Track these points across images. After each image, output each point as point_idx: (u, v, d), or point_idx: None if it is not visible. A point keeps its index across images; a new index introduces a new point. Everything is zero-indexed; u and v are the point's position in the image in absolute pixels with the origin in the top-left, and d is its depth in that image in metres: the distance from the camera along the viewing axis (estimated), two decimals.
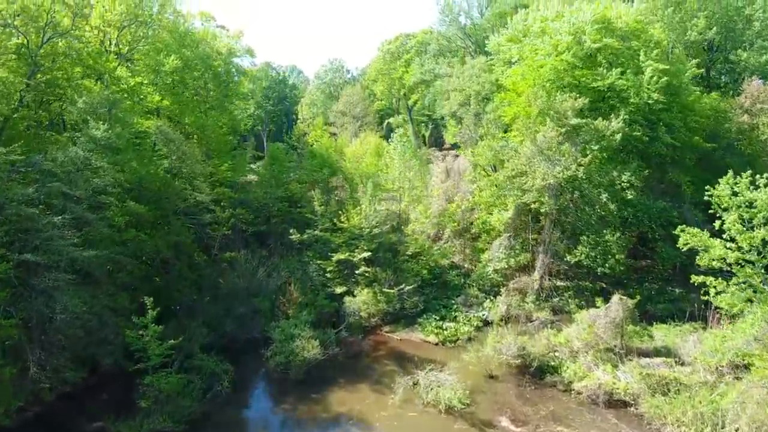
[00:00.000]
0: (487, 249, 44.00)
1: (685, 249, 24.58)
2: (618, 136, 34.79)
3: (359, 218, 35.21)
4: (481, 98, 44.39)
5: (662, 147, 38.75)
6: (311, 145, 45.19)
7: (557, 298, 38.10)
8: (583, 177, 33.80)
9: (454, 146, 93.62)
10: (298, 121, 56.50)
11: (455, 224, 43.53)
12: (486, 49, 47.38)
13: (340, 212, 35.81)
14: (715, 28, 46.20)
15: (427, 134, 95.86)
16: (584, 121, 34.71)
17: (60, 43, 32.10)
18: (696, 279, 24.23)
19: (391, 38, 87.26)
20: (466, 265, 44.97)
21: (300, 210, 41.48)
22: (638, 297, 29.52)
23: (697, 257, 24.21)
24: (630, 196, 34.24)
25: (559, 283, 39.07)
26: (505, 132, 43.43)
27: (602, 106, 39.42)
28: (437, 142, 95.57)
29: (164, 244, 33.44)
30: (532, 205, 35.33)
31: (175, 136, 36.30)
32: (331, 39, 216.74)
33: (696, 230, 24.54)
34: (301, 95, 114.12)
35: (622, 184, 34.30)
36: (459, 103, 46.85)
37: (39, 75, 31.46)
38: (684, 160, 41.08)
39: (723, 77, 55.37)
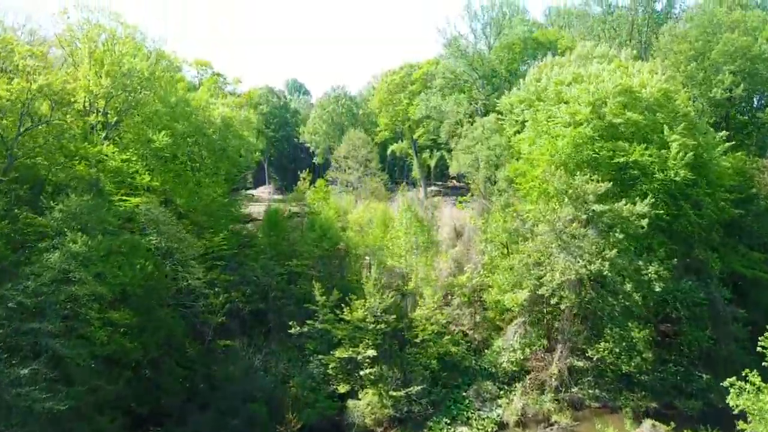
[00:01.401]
0: (498, 320, 41.55)
1: (737, 410, 21.70)
2: (644, 222, 32.12)
3: (363, 311, 32.61)
4: (491, 163, 41.71)
5: (688, 224, 36.16)
6: (311, 211, 42.56)
7: (577, 388, 35.50)
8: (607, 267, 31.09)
9: (461, 178, 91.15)
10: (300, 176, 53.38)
11: (465, 298, 40.92)
12: (497, 105, 44.64)
13: (343, 304, 33.20)
14: (742, 85, 43.40)
15: (432, 163, 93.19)
16: (607, 207, 32.04)
17: (40, 129, 29.62)
18: (744, 427, 21.48)
19: (396, 68, 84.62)
20: (477, 337, 42.35)
21: (300, 286, 38.91)
22: (672, 424, 26.71)
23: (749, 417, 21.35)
24: (658, 289, 31.54)
25: (578, 363, 36.43)
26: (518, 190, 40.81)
27: (624, 178, 36.79)
28: (442, 174, 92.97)
29: (153, 343, 30.99)
30: (552, 300, 32.62)
31: (164, 218, 33.75)
32: (335, 51, 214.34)
33: (752, 387, 21.43)
34: (304, 119, 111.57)
35: (649, 275, 31.61)
36: (468, 163, 44.21)
37: (17, 162, 29.10)
38: (711, 235, 38.45)
39: (743, 116, 52.48)
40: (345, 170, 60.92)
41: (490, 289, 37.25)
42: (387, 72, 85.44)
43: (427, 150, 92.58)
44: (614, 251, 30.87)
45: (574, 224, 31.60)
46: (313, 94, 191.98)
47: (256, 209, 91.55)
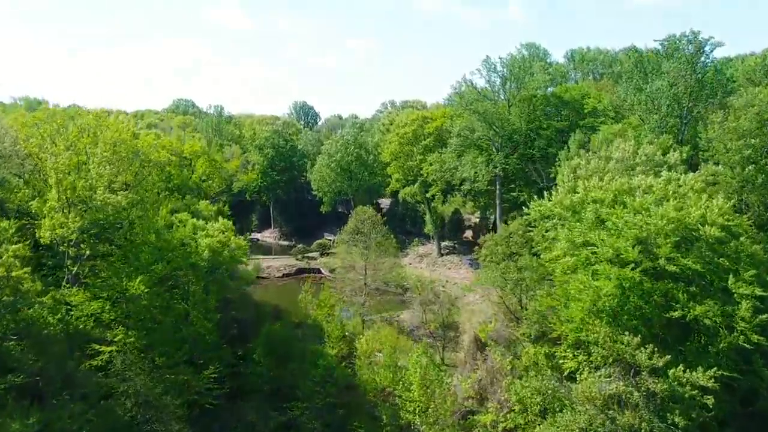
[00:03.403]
0: None
1: None
2: (710, 401, 26.81)
3: None
4: (520, 287, 36.41)
5: (760, 381, 30.74)
6: (314, 343, 37.49)
7: None
8: None
9: (476, 233, 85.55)
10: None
11: None
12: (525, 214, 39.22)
13: None
14: None
15: (448, 212, 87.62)
16: (665, 386, 26.75)
17: None
18: None
19: (407, 120, 79.52)
20: None
21: None
22: None
23: None
24: None
25: None
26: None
27: (680, 323, 31.36)
28: (457, 226, 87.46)
29: None
30: None
31: (138, 380, 29.05)
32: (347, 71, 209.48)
33: None
34: (312, 157, 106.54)
35: None
36: (493, 280, 38.82)
37: None
38: None
39: None
40: (351, 249, 56.04)
41: None
42: (399, 123, 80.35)
43: (441, 196, 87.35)
44: None
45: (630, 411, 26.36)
46: (322, 116, 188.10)
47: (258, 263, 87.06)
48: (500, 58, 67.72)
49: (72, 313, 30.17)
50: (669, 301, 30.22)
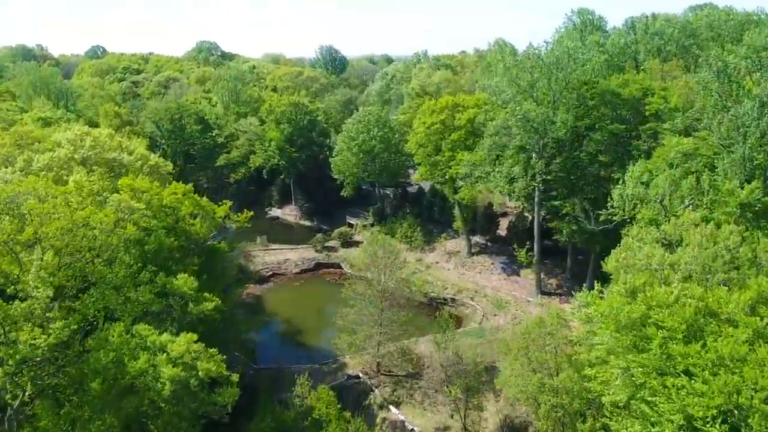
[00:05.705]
0: None
1: None
2: None
3: None
4: (559, 414, 29.34)
5: None
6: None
7: None
8: None
9: (511, 230, 77.08)
10: None
11: None
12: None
13: None
14: None
15: (480, 204, 78.90)
16: None
17: None
18: None
19: (436, 105, 69.61)
20: None
21: None
22: None
23: None
24: None
25: None
26: None
27: None
28: (490, 219, 78.81)
29: None
30: None
31: None
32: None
33: None
34: (337, 123, 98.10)
35: None
36: (521, 397, 31.46)
37: None
38: None
39: None
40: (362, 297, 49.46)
41: None
42: (426, 109, 70.57)
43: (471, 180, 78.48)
44: None
45: None
46: (349, 59, 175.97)
47: (275, 258, 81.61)
48: (546, 42, 56.80)
49: None
50: None
